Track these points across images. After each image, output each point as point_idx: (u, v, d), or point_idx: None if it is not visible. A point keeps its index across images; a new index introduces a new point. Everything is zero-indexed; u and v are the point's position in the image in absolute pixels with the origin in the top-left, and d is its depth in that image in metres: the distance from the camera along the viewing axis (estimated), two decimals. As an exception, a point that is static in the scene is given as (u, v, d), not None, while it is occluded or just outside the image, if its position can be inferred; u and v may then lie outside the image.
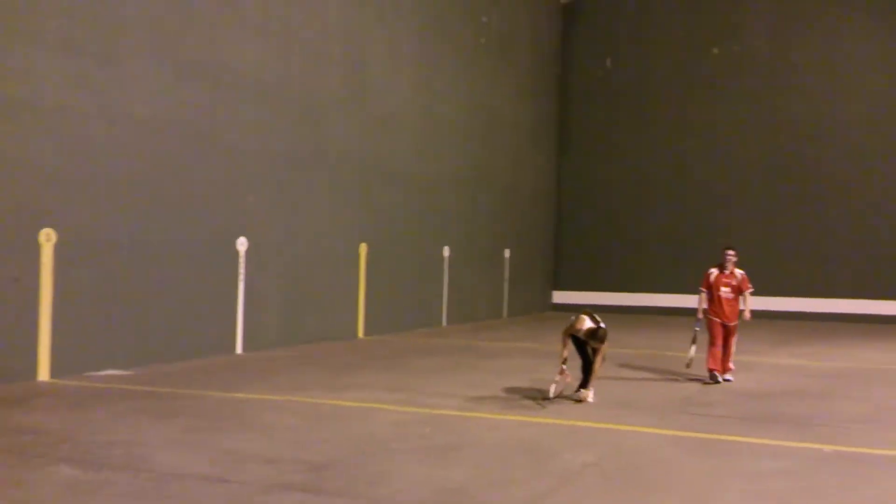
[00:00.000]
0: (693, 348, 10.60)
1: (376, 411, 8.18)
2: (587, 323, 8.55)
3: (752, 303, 10.73)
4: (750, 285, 10.62)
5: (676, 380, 10.51)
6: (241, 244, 13.09)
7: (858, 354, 13.64)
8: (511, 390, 9.48)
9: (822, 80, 21.17)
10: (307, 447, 6.62)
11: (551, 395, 8.71)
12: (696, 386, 9.97)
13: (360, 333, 15.84)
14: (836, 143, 20.96)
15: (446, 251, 18.63)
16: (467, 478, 5.71)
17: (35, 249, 10.06)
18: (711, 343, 10.37)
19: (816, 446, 6.80)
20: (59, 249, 10.28)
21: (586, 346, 8.76)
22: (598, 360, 8.70)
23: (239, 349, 13.00)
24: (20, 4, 9.86)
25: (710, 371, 10.29)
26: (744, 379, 10.55)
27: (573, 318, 8.68)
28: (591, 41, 23.96)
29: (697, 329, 10.65)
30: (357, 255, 15.81)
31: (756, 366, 11.67)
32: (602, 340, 8.54)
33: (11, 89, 9.77)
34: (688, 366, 10.78)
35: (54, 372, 10.15)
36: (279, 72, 13.84)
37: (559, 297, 23.47)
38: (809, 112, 21.27)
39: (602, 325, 8.60)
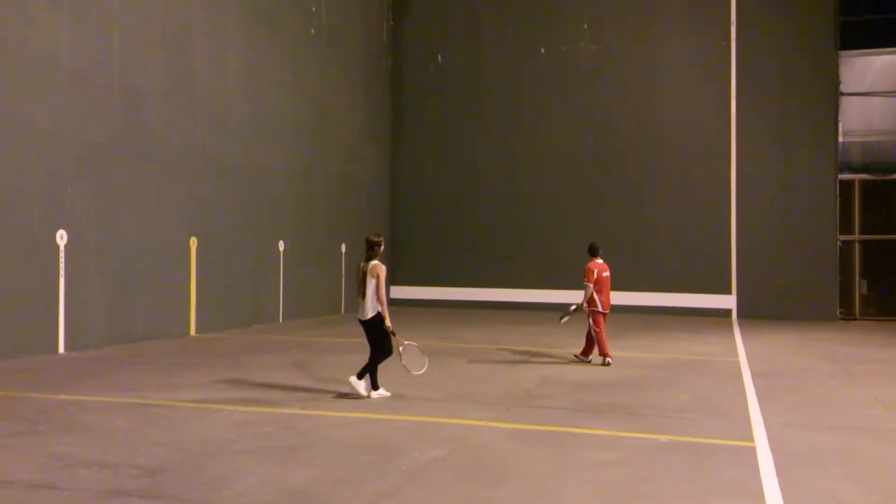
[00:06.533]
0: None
1: (214, 412, 7.95)
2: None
3: (596, 296, 11.91)
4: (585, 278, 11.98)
5: (516, 373, 10.89)
6: (61, 237, 12.26)
7: (682, 346, 14.48)
8: (353, 386, 9.46)
9: (641, 78, 22.45)
10: (141, 451, 6.34)
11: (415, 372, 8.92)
12: (534, 379, 10.35)
13: (193, 331, 15.27)
14: (655, 141, 22.24)
15: (282, 245, 18.31)
16: (312, 478, 5.69)
17: None
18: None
19: (652, 436, 7.15)
20: None
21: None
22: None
23: (61, 348, 12.19)
24: None
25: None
26: (579, 371, 11.12)
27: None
28: (423, 36, 24.31)
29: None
30: (187, 250, 15.21)
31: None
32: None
33: None
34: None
35: None
36: (97, 57, 13.11)
37: (396, 292, 23.67)
38: (630, 110, 22.47)
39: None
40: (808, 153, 21.11)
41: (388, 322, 8.60)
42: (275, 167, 18.18)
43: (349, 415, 7.90)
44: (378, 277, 8.53)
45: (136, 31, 13.97)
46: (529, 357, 12.48)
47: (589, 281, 11.80)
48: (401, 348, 8.81)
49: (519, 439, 7.02)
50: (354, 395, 8.78)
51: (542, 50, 23.24)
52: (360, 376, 8.75)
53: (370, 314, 8.60)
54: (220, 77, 16.32)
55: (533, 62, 23.30)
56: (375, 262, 8.65)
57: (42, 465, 5.89)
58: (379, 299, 8.55)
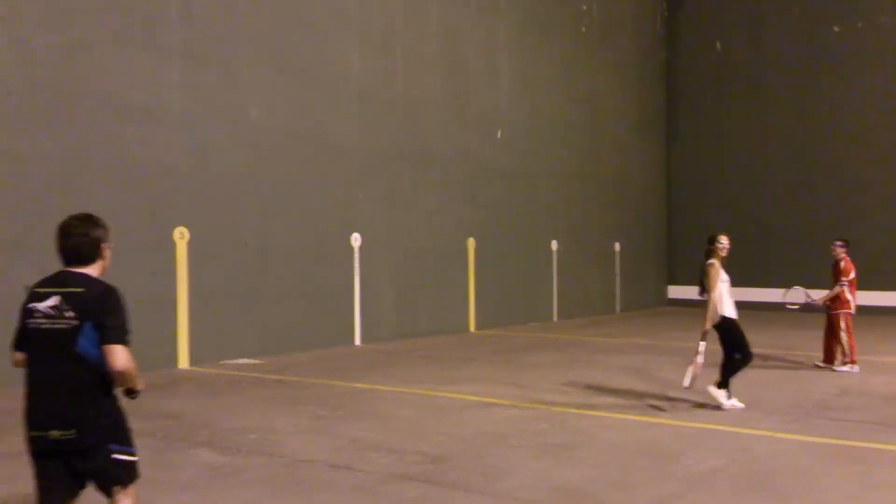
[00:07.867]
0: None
1: (492, 406, 8.23)
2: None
3: (850, 295, 11.00)
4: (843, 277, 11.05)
5: (810, 381, 10.01)
6: (356, 240, 13.42)
7: None
8: (629, 388, 9.34)
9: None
10: (425, 439, 6.75)
11: (686, 383, 8.01)
12: (831, 389, 9.44)
13: (472, 327, 15.96)
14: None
15: (554, 245, 18.50)
16: (586, 477, 5.68)
17: (171, 246, 10.67)
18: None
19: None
20: (192, 246, 10.88)
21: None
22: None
23: (358, 340, 13.39)
24: (145, 19, 10.55)
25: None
26: (883, 381, 9.99)
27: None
28: (699, 24, 23.19)
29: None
30: (465, 250, 15.92)
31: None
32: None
33: (139, 97, 10.45)
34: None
35: (193, 360, 10.87)
36: (382, 73, 14.15)
37: (675, 291, 22.87)
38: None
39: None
40: None
41: (706, 325, 7.87)
42: (547, 168, 18.42)
43: (623, 416, 7.78)
44: (708, 278, 7.95)
45: (415, 45, 14.91)
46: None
47: (847, 278, 10.96)
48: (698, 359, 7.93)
49: (812, 453, 6.43)
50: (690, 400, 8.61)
51: (836, 28, 21.16)
52: (719, 385, 8.05)
53: (716, 319, 7.94)
54: (493, 84, 16.89)
55: (824, 42, 21.28)
56: (710, 260, 8.05)
57: (340, 447, 6.49)
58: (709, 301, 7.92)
